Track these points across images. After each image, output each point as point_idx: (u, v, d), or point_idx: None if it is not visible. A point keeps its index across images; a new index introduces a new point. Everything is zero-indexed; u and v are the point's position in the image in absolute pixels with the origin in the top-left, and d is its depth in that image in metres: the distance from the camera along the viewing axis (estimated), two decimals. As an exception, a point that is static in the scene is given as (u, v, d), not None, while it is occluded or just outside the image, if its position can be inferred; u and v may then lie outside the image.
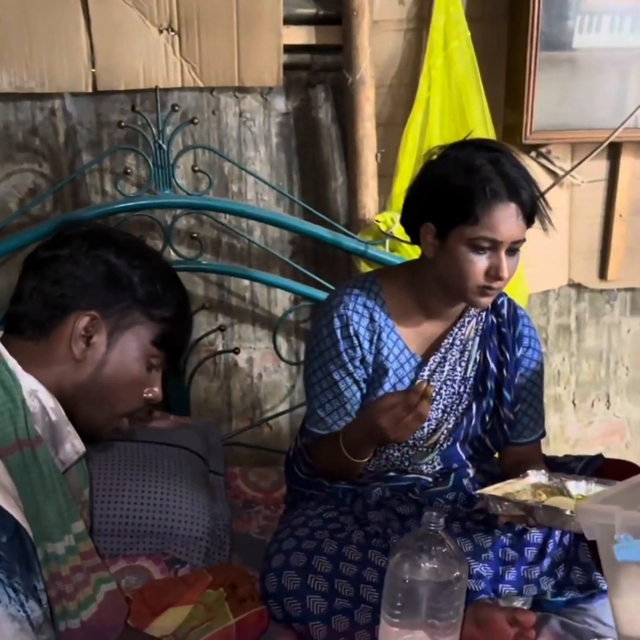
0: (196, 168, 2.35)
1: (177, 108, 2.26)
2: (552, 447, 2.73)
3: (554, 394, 2.82)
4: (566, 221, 2.59)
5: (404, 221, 1.76)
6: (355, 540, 1.65)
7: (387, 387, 1.74)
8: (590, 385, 2.87)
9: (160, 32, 2.22)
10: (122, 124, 2.26)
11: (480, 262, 1.60)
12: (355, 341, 1.72)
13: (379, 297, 1.74)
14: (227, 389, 2.62)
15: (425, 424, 1.74)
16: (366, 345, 1.72)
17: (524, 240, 1.62)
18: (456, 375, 1.79)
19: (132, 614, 1.52)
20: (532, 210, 1.61)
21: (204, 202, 2.30)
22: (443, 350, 1.77)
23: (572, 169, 2.47)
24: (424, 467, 1.81)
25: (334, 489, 1.82)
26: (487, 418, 1.81)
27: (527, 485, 1.60)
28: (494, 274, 1.59)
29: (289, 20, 2.28)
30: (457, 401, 1.79)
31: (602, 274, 2.70)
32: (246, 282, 2.51)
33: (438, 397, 1.77)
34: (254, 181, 2.45)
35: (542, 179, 2.30)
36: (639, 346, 2.85)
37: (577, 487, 1.57)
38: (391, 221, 2.25)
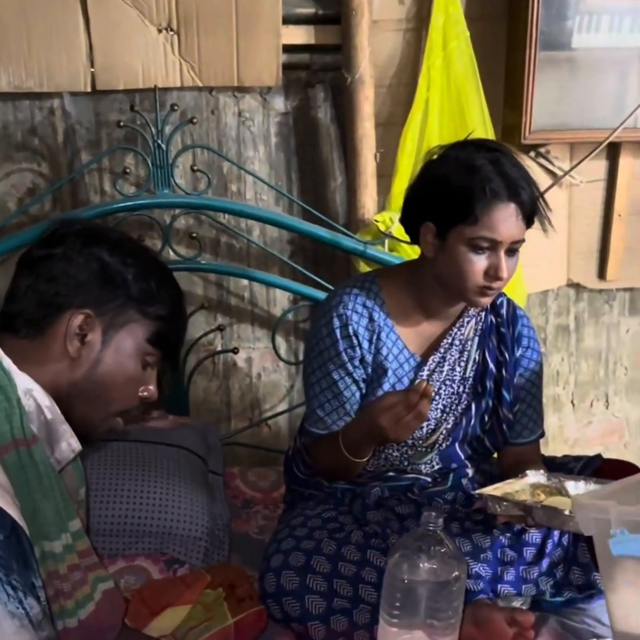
0: (195, 168, 2.35)
1: (176, 108, 2.26)
2: (551, 447, 2.73)
3: (553, 394, 2.82)
4: (565, 221, 2.59)
5: (403, 221, 1.76)
6: (354, 540, 1.65)
7: (386, 386, 1.74)
8: (589, 385, 2.87)
9: (160, 31, 2.22)
10: (121, 123, 2.26)
11: (480, 262, 1.60)
12: (355, 341, 1.72)
13: (379, 297, 1.74)
14: (226, 388, 2.62)
15: (425, 424, 1.74)
16: (365, 344, 1.72)
17: (523, 240, 1.62)
18: (455, 375, 1.79)
19: (131, 614, 1.52)
20: (532, 210, 1.61)
21: (202, 201, 2.30)
22: (442, 350, 1.77)
23: (571, 169, 2.47)
24: (423, 467, 1.81)
25: (333, 489, 1.82)
26: (486, 418, 1.81)
27: (526, 485, 1.60)
28: (493, 274, 1.59)
29: (288, 20, 2.28)
30: (456, 401, 1.79)
31: (601, 274, 2.71)
32: (245, 281, 2.51)
33: (437, 397, 1.77)
34: (253, 181, 2.45)
35: (541, 179, 2.30)
36: (638, 346, 2.85)
37: (576, 487, 1.57)
38: (390, 221, 2.25)
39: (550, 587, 1.64)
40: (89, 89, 2.24)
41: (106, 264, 1.24)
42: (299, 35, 2.32)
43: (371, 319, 1.73)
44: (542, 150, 2.49)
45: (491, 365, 1.79)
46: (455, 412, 1.80)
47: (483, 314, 1.80)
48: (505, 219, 1.57)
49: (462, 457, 1.83)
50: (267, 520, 2.08)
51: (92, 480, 1.88)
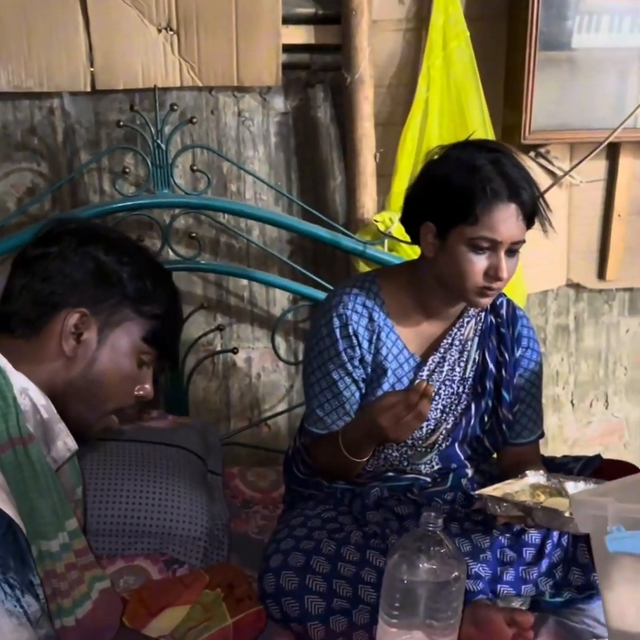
0: (195, 167, 2.35)
1: (175, 107, 2.26)
2: (551, 447, 2.73)
3: (552, 394, 2.82)
4: (565, 221, 2.59)
5: (404, 220, 1.76)
6: (354, 540, 1.64)
7: (386, 386, 1.74)
8: (588, 385, 2.87)
9: (159, 31, 2.22)
10: (121, 123, 2.26)
11: (480, 262, 1.60)
12: (354, 341, 1.71)
13: (379, 297, 1.74)
14: (225, 388, 2.61)
15: (424, 424, 1.74)
16: (365, 344, 1.72)
17: (523, 241, 1.62)
18: (455, 376, 1.79)
19: (130, 614, 1.52)
20: (533, 211, 1.61)
21: (202, 201, 2.29)
22: (442, 351, 1.77)
23: (571, 169, 2.47)
24: (423, 467, 1.81)
25: (333, 489, 1.82)
26: (485, 418, 1.81)
27: (526, 485, 1.60)
28: (493, 274, 1.59)
29: (288, 20, 2.28)
30: (456, 401, 1.79)
31: (601, 274, 2.70)
32: (245, 281, 2.51)
33: (437, 397, 1.77)
34: (252, 181, 2.45)
35: (541, 179, 2.30)
36: (638, 346, 2.85)
37: (576, 487, 1.57)
38: (390, 221, 2.25)
39: (549, 587, 1.64)
40: (88, 89, 2.24)
41: (101, 262, 1.25)
42: (299, 35, 2.31)
43: (371, 319, 1.73)
44: (542, 150, 2.49)
45: (491, 366, 1.79)
46: (455, 413, 1.80)
47: (483, 314, 1.80)
48: (505, 219, 1.57)
49: (462, 457, 1.83)
50: (266, 521, 2.08)
51: (92, 480, 1.88)
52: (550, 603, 1.66)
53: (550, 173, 2.51)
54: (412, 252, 2.15)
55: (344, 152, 2.43)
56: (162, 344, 1.31)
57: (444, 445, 1.80)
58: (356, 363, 1.73)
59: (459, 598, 1.33)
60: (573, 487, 1.57)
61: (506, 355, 1.79)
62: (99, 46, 2.20)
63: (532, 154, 2.48)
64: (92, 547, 1.71)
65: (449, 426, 1.80)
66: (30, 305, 1.22)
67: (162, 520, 1.86)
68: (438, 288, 1.70)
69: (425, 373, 1.76)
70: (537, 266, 2.46)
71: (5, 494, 1.08)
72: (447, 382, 1.78)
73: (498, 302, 1.81)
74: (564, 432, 2.88)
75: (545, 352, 2.76)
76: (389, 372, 1.74)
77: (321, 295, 2.29)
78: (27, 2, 2.14)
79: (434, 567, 1.30)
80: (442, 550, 1.31)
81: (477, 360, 1.80)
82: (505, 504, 1.52)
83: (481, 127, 2.27)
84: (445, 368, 1.77)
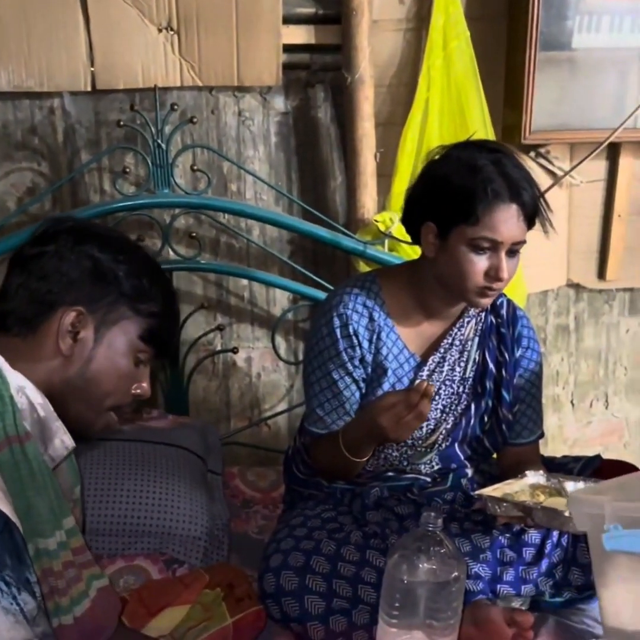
0: (195, 167, 2.35)
1: (176, 107, 2.26)
2: (551, 447, 2.73)
3: (552, 394, 2.82)
4: (565, 221, 2.59)
5: (404, 220, 1.76)
6: (354, 540, 1.65)
7: (386, 386, 1.74)
8: (588, 385, 2.87)
9: (160, 31, 2.22)
10: (121, 123, 2.26)
11: (481, 263, 1.60)
12: (355, 340, 1.71)
13: (379, 297, 1.74)
14: (225, 388, 2.62)
15: (424, 424, 1.74)
16: (365, 344, 1.72)
17: (524, 241, 1.62)
18: (455, 376, 1.79)
19: (129, 614, 1.52)
20: (534, 211, 1.61)
21: (202, 201, 2.29)
22: (442, 350, 1.77)
23: (572, 169, 2.47)
24: (423, 467, 1.81)
25: (333, 489, 1.82)
26: (485, 418, 1.81)
27: (526, 485, 1.60)
28: (493, 274, 1.59)
29: (288, 20, 2.28)
30: (456, 401, 1.79)
31: (601, 274, 2.71)
32: (245, 281, 2.51)
33: (437, 397, 1.77)
34: (252, 180, 2.45)
35: (542, 180, 2.30)
36: (638, 346, 2.85)
37: (575, 487, 1.57)
38: (390, 221, 2.25)
39: (549, 587, 1.64)
40: (89, 89, 2.24)
41: (98, 261, 1.25)
42: (299, 35, 2.32)
43: (371, 319, 1.73)
44: (542, 150, 2.49)
45: (491, 366, 1.79)
46: (455, 413, 1.80)
47: (483, 314, 1.80)
48: (506, 219, 1.57)
49: (462, 457, 1.83)
50: (266, 520, 2.08)
51: (92, 480, 1.88)
52: (550, 603, 1.66)
53: (551, 173, 2.51)
54: (413, 252, 2.15)
55: (344, 152, 2.43)
56: (159, 342, 1.31)
57: (443, 445, 1.80)
58: (356, 363, 1.73)
59: (459, 598, 1.34)
60: (573, 487, 1.57)
61: (506, 355, 1.79)
62: (99, 46, 2.20)
63: (532, 154, 2.48)
64: (92, 547, 1.73)
65: (449, 426, 1.80)
66: (27, 303, 1.23)
67: (162, 520, 1.86)
68: (438, 288, 1.70)
69: (425, 373, 1.76)
70: (537, 266, 2.46)
71: (2, 492, 1.08)
72: (447, 382, 1.78)
73: (498, 302, 1.81)
74: (564, 432, 2.88)
75: (546, 352, 2.76)
76: (389, 372, 1.74)
77: (321, 295, 2.30)
78: (27, 2, 2.14)
79: (434, 567, 1.30)
80: (442, 551, 1.31)
81: (477, 360, 1.80)
82: (505, 504, 1.52)
83: (481, 127, 2.27)
84: (446, 368, 1.77)
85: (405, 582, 1.30)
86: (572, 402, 2.87)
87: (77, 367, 1.23)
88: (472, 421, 1.80)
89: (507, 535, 1.66)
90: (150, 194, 2.26)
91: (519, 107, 2.36)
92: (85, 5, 2.16)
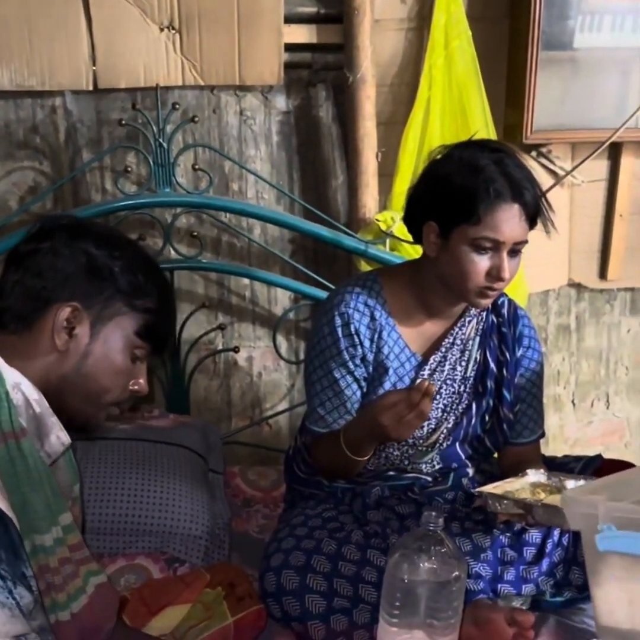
0: (196, 166, 2.35)
1: (177, 106, 2.26)
2: (552, 446, 2.73)
3: (553, 393, 2.82)
4: (566, 221, 2.59)
5: (406, 220, 1.76)
6: (354, 539, 1.65)
7: (387, 385, 1.74)
8: (589, 385, 2.87)
9: (161, 30, 2.22)
10: (123, 122, 2.26)
11: (482, 263, 1.59)
12: (356, 339, 1.71)
13: (380, 296, 1.74)
14: (226, 387, 2.62)
15: (425, 423, 1.74)
16: (367, 343, 1.72)
17: (526, 241, 1.62)
18: (456, 375, 1.79)
19: (130, 613, 1.52)
20: (535, 211, 1.61)
21: (204, 200, 2.30)
22: (443, 350, 1.77)
23: (573, 169, 2.47)
24: (424, 466, 1.81)
25: (333, 488, 1.82)
26: (486, 418, 1.81)
27: (526, 484, 1.60)
28: (495, 274, 1.59)
29: (290, 19, 2.28)
30: (457, 401, 1.79)
31: (602, 273, 2.70)
32: (246, 280, 2.51)
33: (438, 397, 1.77)
34: (254, 180, 2.45)
35: (543, 179, 2.30)
36: (639, 346, 2.85)
37: (576, 486, 1.57)
38: (391, 220, 2.25)
39: (550, 587, 1.64)
40: (90, 88, 2.24)
41: (93, 257, 1.24)
42: (301, 34, 2.32)
43: (373, 318, 1.73)
44: (544, 150, 2.49)
45: (492, 365, 1.79)
46: (456, 412, 1.80)
47: (484, 313, 1.80)
48: (508, 219, 1.57)
49: (463, 456, 1.83)
50: (267, 520, 2.08)
51: (93, 479, 1.88)
52: (551, 602, 1.66)
53: (552, 173, 2.51)
54: (414, 252, 2.15)
55: (345, 152, 2.43)
56: (155, 338, 1.30)
57: (445, 444, 1.80)
58: (357, 362, 1.73)
59: (460, 597, 1.34)
60: (574, 485, 1.57)
61: (507, 355, 1.79)
62: (101, 45, 2.20)
63: (533, 153, 2.48)
64: (93, 546, 1.73)
65: (450, 425, 1.80)
66: (23, 300, 1.22)
67: (163, 519, 1.86)
68: (440, 287, 1.70)
69: (426, 372, 1.76)
70: (538, 266, 2.46)
71: None
72: (448, 382, 1.78)
73: (499, 302, 1.81)
74: (565, 431, 2.88)
75: (547, 351, 2.76)
76: (391, 371, 1.74)
77: (322, 294, 2.30)
78: (29, 1, 2.14)
79: (435, 566, 1.30)
80: (442, 550, 1.31)
81: (478, 359, 1.80)
82: (505, 502, 1.51)
83: (483, 127, 2.27)
84: (447, 367, 1.77)
85: (406, 581, 1.30)
86: (573, 401, 2.87)
87: (73, 362, 1.23)
88: (473, 420, 1.80)
89: (508, 534, 1.66)
90: (151, 193, 2.26)
91: (521, 107, 2.36)
92: (87, 5, 2.16)
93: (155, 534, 1.85)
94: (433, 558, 1.30)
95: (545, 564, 1.64)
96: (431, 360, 1.76)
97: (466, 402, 1.80)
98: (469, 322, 1.79)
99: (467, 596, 1.41)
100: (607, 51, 2.38)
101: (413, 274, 1.76)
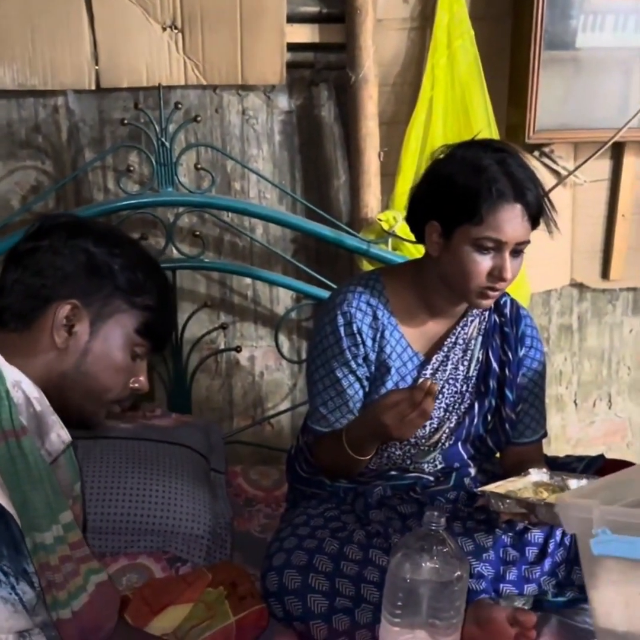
0: (199, 166, 2.35)
1: (180, 106, 2.26)
2: (554, 446, 2.73)
3: (555, 393, 2.82)
4: (569, 221, 2.59)
5: (409, 219, 1.76)
6: (357, 539, 1.64)
7: (389, 385, 1.74)
8: (592, 385, 2.87)
9: (164, 29, 2.22)
10: (125, 121, 2.26)
11: (484, 263, 1.59)
12: (358, 339, 1.71)
13: (383, 295, 1.74)
14: (228, 387, 2.62)
15: (428, 423, 1.74)
16: (369, 343, 1.72)
17: (528, 242, 1.62)
18: (458, 374, 1.79)
19: (132, 612, 1.52)
20: (538, 211, 1.61)
21: (206, 200, 2.30)
22: (446, 349, 1.77)
23: (576, 168, 2.47)
24: (426, 466, 1.81)
25: (335, 488, 1.82)
26: (489, 417, 1.81)
27: (529, 483, 1.60)
28: (497, 274, 1.59)
29: (292, 19, 2.28)
30: (459, 400, 1.79)
31: (605, 273, 2.71)
32: (248, 280, 2.51)
33: (440, 396, 1.77)
34: (256, 179, 2.45)
35: (545, 179, 2.29)
36: (641, 346, 2.86)
37: (579, 485, 1.57)
38: (393, 220, 2.25)
39: (552, 586, 1.64)
40: (93, 87, 2.24)
41: (92, 254, 1.25)
42: (303, 33, 2.32)
43: (375, 317, 1.73)
44: (546, 149, 2.49)
45: (494, 365, 1.79)
46: (458, 411, 1.80)
47: (487, 313, 1.80)
48: (510, 219, 1.57)
49: (465, 456, 1.83)
50: (269, 519, 2.08)
51: (95, 478, 1.88)
52: (553, 602, 1.65)
53: (554, 172, 2.51)
54: (416, 251, 2.15)
55: (348, 151, 2.43)
56: (155, 336, 1.31)
57: (447, 444, 1.80)
58: (360, 361, 1.73)
59: (462, 597, 1.34)
60: (576, 485, 1.57)
61: (509, 355, 1.79)
62: (103, 44, 2.20)
63: (536, 153, 2.48)
64: (95, 545, 1.73)
65: (452, 425, 1.80)
66: (22, 299, 1.23)
67: (165, 519, 1.86)
68: (442, 287, 1.70)
69: (428, 371, 1.76)
70: (540, 266, 2.46)
71: None
72: (450, 381, 1.78)
73: (502, 302, 1.81)
74: (567, 431, 2.88)
75: (549, 351, 2.76)
76: (393, 371, 1.74)
77: (325, 294, 2.30)
78: (32, 0, 2.14)
79: (437, 566, 1.30)
80: (444, 550, 1.31)
81: (480, 359, 1.80)
82: (508, 501, 1.51)
83: (485, 126, 2.27)
84: (449, 367, 1.77)
85: (408, 581, 1.30)
86: (575, 401, 2.87)
87: (73, 360, 1.23)
88: (475, 420, 1.80)
89: (510, 534, 1.65)
90: (154, 192, 2.26)
91: (523, 106, 2.36)
92: (89, 4, 2.16)
93: (157, 534, 1.85)
94: (435, 558, 1.30)
95: (547, 563, 1.63)
96: (433, 360, 1.76)
97: (468, 401, 1.80)
98: (472, 321, 1.79)
99: (469, 596, 1.41)
100: (610, 51, 2.38)
101: (415, 273, 1.76)
